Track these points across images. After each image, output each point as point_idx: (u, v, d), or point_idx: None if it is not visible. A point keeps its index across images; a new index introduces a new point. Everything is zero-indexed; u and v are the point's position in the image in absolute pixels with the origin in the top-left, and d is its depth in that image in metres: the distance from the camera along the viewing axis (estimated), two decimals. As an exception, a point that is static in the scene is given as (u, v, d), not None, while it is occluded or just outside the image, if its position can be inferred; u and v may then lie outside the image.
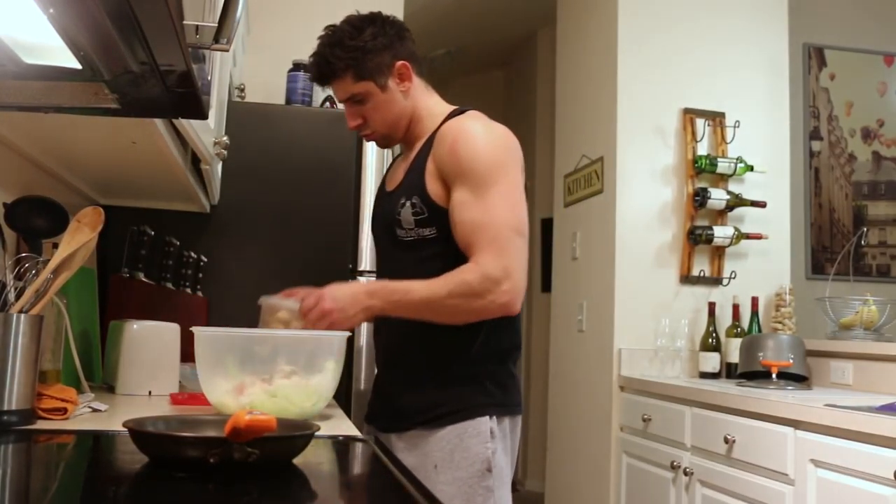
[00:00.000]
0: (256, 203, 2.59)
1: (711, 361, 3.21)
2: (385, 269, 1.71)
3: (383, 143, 1.72)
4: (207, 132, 1.73)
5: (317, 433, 1.09)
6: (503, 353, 1.62)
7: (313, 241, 2.61)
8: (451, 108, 1.68)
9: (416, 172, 1.61)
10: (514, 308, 1.54)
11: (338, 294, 1.54)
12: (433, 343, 1.59)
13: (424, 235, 1.58)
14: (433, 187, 1.57)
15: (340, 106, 2.68)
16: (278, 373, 1.44)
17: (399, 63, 1.62)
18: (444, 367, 1.58)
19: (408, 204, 1.58)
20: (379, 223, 1.74)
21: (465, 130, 1.57)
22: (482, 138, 1.57)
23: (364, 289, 1.58)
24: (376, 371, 1.79)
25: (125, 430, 1.03)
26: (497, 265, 1.49)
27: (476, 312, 1.53)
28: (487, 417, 1.55)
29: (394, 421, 1.63)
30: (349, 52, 1.58)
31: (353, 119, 1.66)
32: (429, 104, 1.68)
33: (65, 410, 1.35)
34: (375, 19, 1.63)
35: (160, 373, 1.79)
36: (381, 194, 1.77)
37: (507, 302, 1.51)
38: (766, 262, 3.44)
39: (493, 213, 1.51)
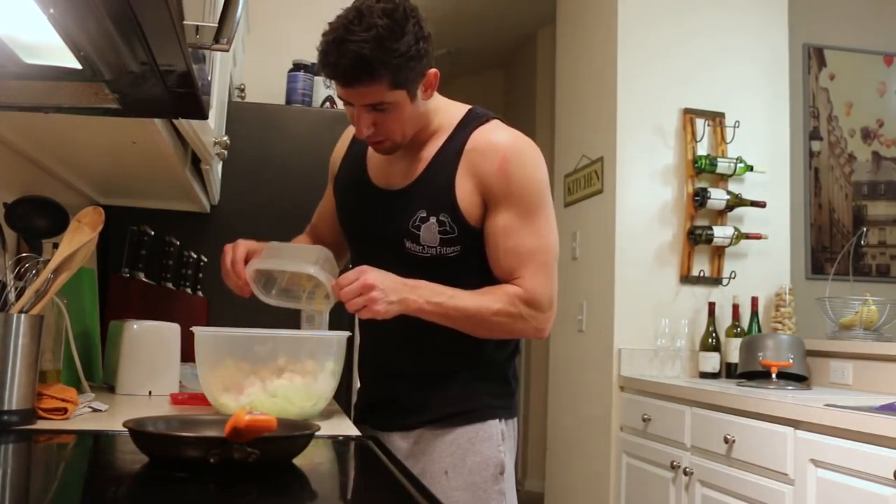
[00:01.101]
0: (256, 203, 2.59)
1: (711, 361, 3.21)
2: None
3: (388, 152, 1.50)
4: (207, 132, 1.73)
5: (317, 433, 1.09)
6: (510, 353, 1.62)
7: (313, 241, 2.60)
8: (456, 104, 1.55)
9: (440, 183, 1.46)
10: (547, 334, 1.56)
11: (380, 274, 1.37)
12: (450, 339, 1.49)
13: (445, 254, 1.47)
14: (468, 205, 1.45)
15: (340, 106, 2.70)
16: (278, 373, 1.44)
17: (431, 72, 1.42)
18: (458, 365, 1.54)
19: (433, 220, 1.45)
20: (371, 226, 1.55)
21: (514, 149, 1.46)
22: (531, 158, 1.48)
23: (402, 281, 1.40)
24: (368, 365, 1.67)
25: (125, 430, 1.03)
26: (546, 293, 1.51)
27: (513, 332, 1.53)
28: (498, 420, 1.53)
29: (398, 418, 1.55)
30: (394, 58, 1.33)
31: (369, 127, 1.42)
32: (436, 103, 1.52)
33: (65, 410, 1.35)
34: (409, 14, 1.37)
35: (160, 373, 1.79)
36: (370, 190, 1.56)
37: (545, 328, 1.53)
38: (766, 262, 3.44)
39: (544, 239, 1.51)
